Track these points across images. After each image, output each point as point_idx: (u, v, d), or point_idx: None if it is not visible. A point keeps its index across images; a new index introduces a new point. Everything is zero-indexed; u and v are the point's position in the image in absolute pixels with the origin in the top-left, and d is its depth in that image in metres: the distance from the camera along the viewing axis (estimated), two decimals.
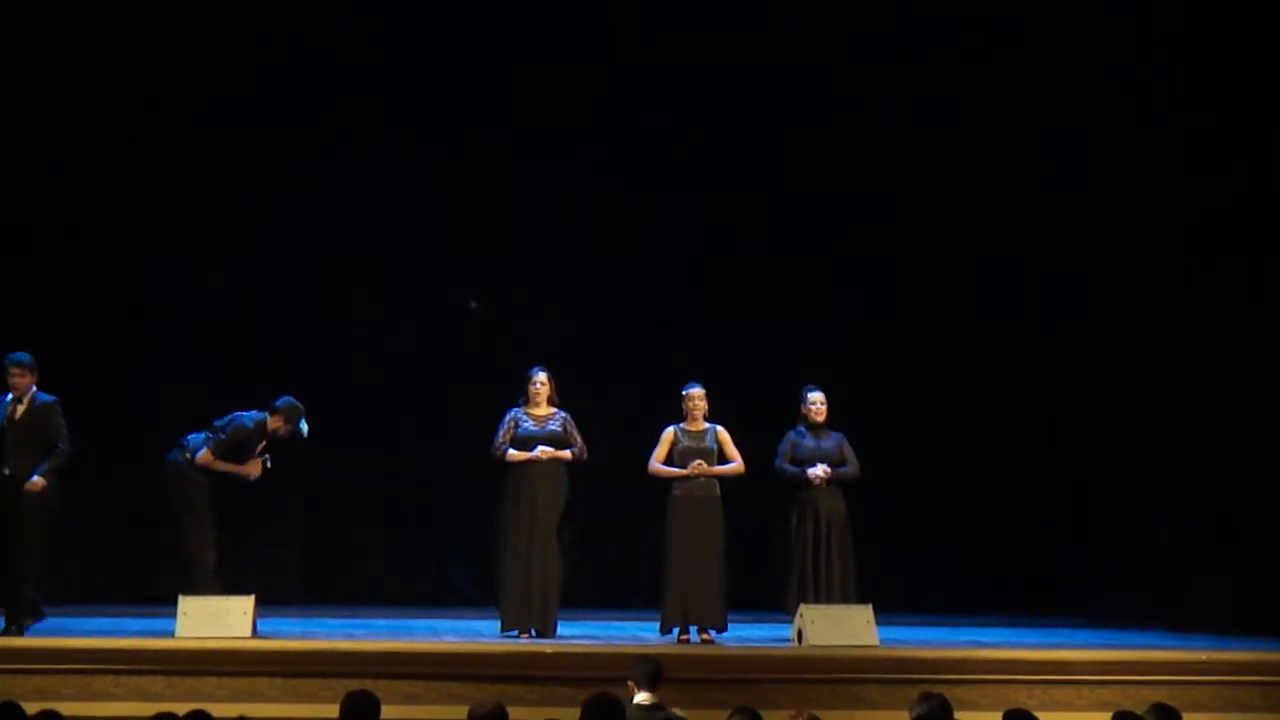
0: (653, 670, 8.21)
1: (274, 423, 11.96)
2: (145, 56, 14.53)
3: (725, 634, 11.88)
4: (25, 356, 11.43)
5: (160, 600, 12.00)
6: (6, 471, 11.22)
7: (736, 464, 12.05)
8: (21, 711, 7.01)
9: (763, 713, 7.61)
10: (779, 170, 15.26)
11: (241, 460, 11.91)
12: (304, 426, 12.02)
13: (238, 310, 14.81)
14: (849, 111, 15.19)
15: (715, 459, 11.99)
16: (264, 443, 11.98)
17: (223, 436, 11.86)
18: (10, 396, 11.36)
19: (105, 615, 11.77)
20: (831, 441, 12.23)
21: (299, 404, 12.00)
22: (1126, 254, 14.65)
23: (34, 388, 11.38)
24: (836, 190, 15.28)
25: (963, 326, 15.29)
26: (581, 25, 15.03)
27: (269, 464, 12.00)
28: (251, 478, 11.97)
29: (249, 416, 11.96)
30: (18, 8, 14.21)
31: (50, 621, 11.34)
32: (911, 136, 15.08)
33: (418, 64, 15.05)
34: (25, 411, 11.37)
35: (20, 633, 11.02)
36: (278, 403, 11.98)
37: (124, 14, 14.41)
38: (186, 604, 11.11)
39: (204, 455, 11.79)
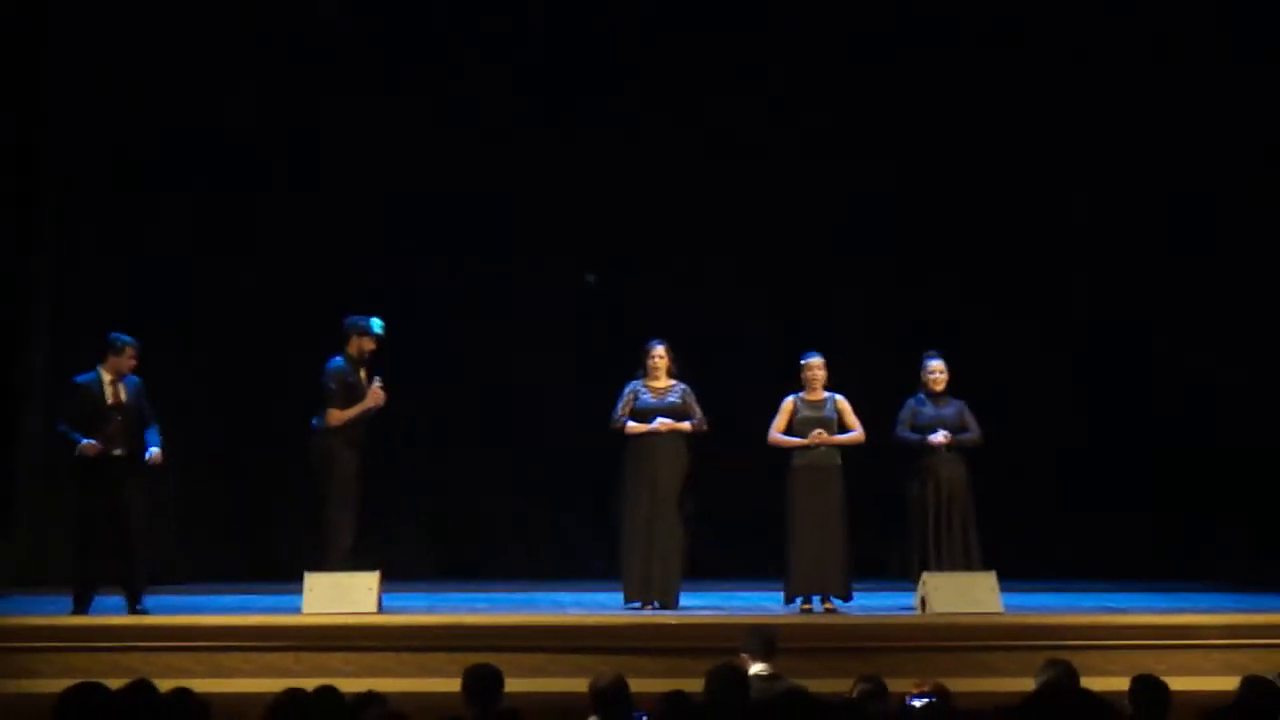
0: (767, 641, 8.22)
1: (352, 347, 11.82)
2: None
3: (849, 603, 11.86)
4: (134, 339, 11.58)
5: (281, 577, 12.15)
6: (118, 452, 11.35)
7: (857, 433, 12.01)
8: (154, 689, 7.09)
9: (887, 681, 7.60)
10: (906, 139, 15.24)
11: (358, 400, 11.78)
12: (375, 325, 11.84)
13: (359, 287, 14.87)
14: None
15: (835, 428, 11.97)
16: (362, 370, 11.83)
17: (330, 392, 11.76)
18: (103, 377, 11.42)
19: (231, 593, 11.90)
20: (952, 409, 12.17)
21: (356, 317, 11.86)
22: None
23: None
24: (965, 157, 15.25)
25: (1088, 289, 15.15)
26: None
27: (381, 384, 11.83)
28: (379, 405, 11.79)
29: (332, 361, 11.82)
30: None
31: (180, 599, 11.51)
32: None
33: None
34: (129, 393, 11.49)
35: (143, 611, 11.17)
36: (344, 329, 11.87)
37: None
38: (312, 580, 11.23)
39: (331, 415, 11.71)
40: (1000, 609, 11.36)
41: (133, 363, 11.48)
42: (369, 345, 11.84)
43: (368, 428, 11.85)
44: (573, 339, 15.14)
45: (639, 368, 12.16)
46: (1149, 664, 10.14)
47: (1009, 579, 11.73)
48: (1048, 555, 14.54)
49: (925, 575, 11.61)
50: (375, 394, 11.78)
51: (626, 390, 12.10)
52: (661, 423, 11.94)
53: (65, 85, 14.35)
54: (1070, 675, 7.46)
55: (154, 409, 11.55)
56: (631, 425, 11.98)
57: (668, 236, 15.13)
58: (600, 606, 12.13)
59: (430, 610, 11.78)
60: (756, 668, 8.11)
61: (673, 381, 12.12)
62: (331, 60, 14.90)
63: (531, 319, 15.20)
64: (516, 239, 15.18)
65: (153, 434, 11.46)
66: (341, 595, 11.13)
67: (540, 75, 15.14)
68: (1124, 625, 10.94)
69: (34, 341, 14.03)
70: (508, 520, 15.18)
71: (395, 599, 11.83)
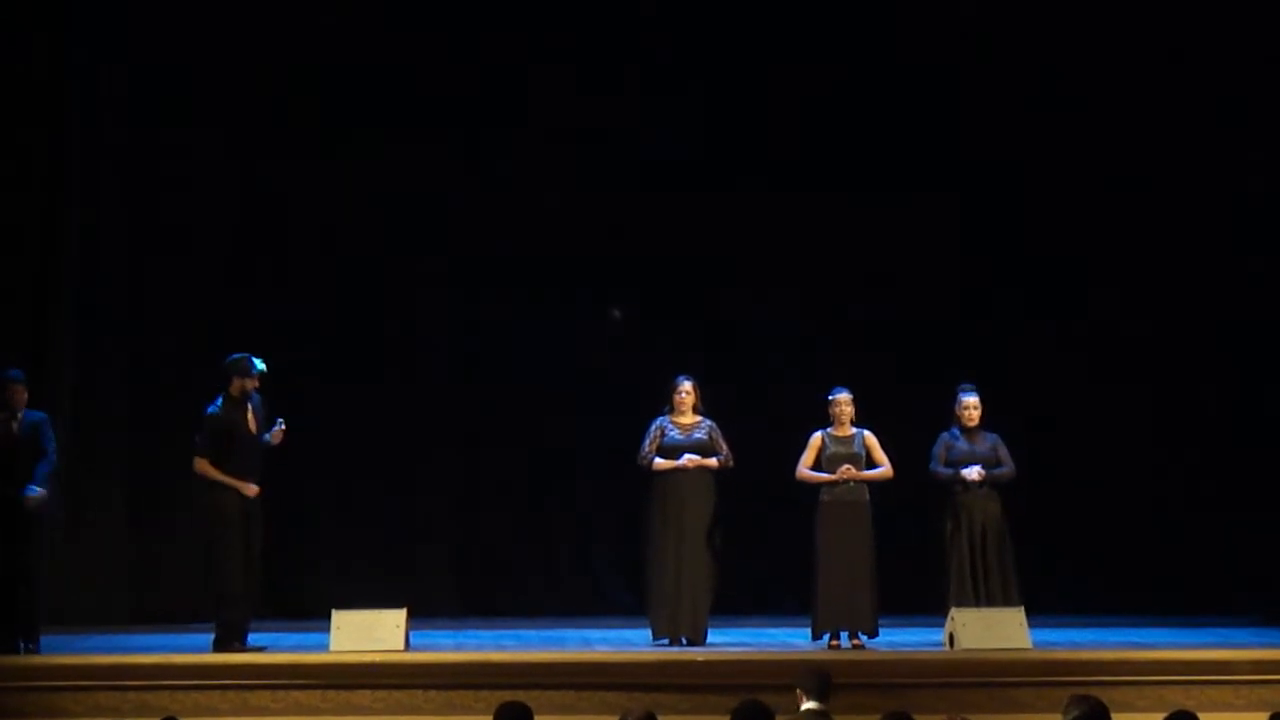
0: (821, 682, 8.18)
1: (234, 388, 11.51)
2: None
3: (876, 639, 11.83)
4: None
5: (305, 614, 12.20)
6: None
7: (885, 468, 12.00)
8: None
9: (915, 717, 7.57)
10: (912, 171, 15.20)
11: (239, 442, 11.53)
12: (258, 364, 11.56)
13: (378, 321, 14.91)
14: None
15: (863, 464, 11.96)
16: (249, 410, 11.57)
17: (198, 443, 11.51)
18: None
19: (258, 630, 11.92)
20: (986, 443, 12.13)
21: (237, 355, 11.59)
22: None
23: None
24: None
25: (1118, 323, 15.09)
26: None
27: (284, 426, 11.67)
28: (252, 494, 11.50)
29: (211, 406, 11.56)
30: None
31: (205, 638, 11.49)
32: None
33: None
34: (21, 428, 11.50)
35: (34, 651, 11.25)
36: (224, 369, 11.58)
37: None
38: (339, 618, 11.24)
39: (197, 463, 11.48)
40: (1029, 645, 11.33)
41: (24, 396, 11.52)
42: (251, 385, 11.58)
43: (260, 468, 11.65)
44: (598, 374, 15.10)
45: (665, 403, 12.18)
46: (1178, 699, 10.15)
47: (1037, 614, 11.70)
48: (1076, 590, 14.46)
49: (954, 611, 11.58)
50: (247, 487, 11.47)
51: (653, 426, 12.11)
52: (688, 459, 11.94)
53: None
54: (1100, 711, 7.40)
55: (51, 445, 11.62)
56: (658, 462, 11.99)
57: (696, 271, 15.09)
58: (628, 643, 12.13)
59: (457, 647, 11.80)
60: (808, 705, 8.07)
61: (699, 417, 12.13)
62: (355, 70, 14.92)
63: (555, 353, 15.16)
64: (540, 270, 15.13)
65: (40, 469, 11.49)
66: (369, 632, 11.14)
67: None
68: (1153, 660, 10.90)
69: (62, 371, 14.00)
70: (535, 557, 15.14)
71: (422, 636, 11.83)
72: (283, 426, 11.67)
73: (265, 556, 11.67)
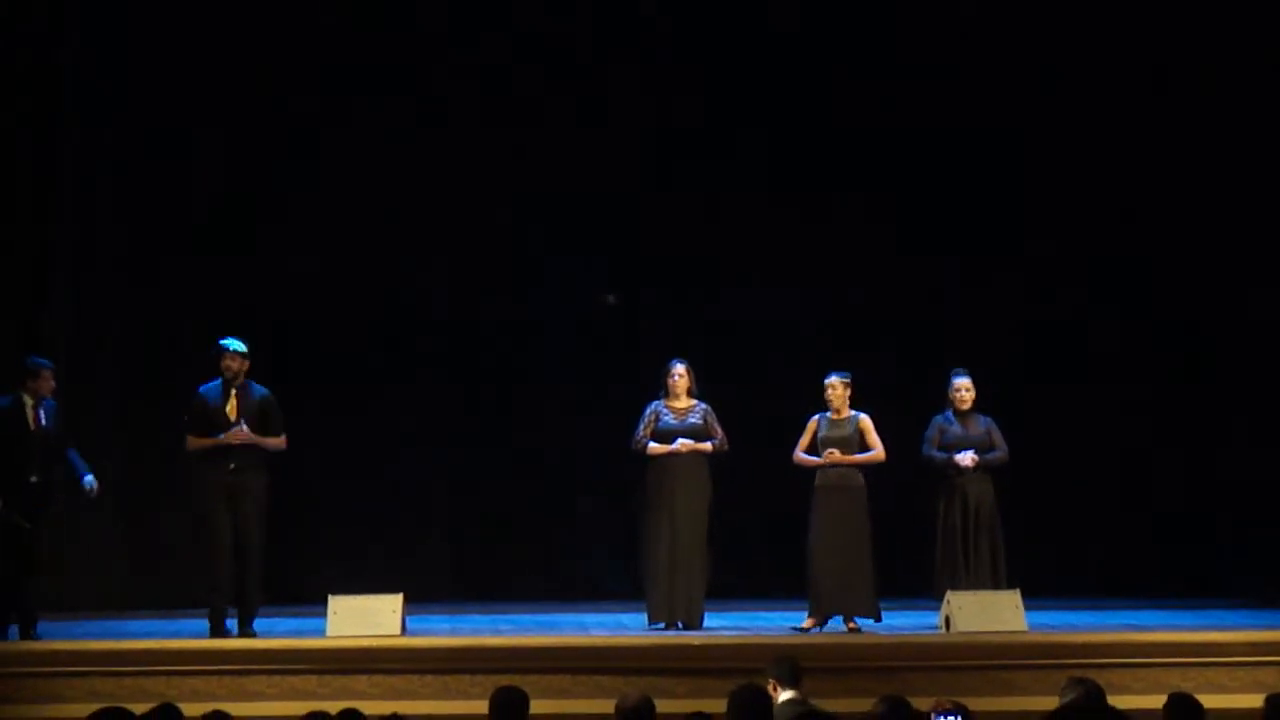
0: (792, 669, 8.20)
1: (222, 369, 11.53)
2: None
3: (878, 623, 11.84)
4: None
5: (309, 599, 12.18)
6: (34, 479, 11.40)
7: (875, 452, 11.98)
8: (179, 713, 7.10)
9: (911, 700, 7.57)
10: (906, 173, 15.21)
11: (215, 423, 11.51)
12: (230, 344, 11.53)
13: (377, 314, 14.91)
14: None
15: (856, 447, 11.95)
16: (233, 391, 11.54)
17: (183, 421, 11.62)
18: (25, 401, 11.44)
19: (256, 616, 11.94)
20: (980, 427, 12.13)
21: (221, 340, 11.62)
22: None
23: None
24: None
25: (1112, 313, 15.10)
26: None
27: (243, 428, 11.52)
28: (237, 441, 11.46)
29: (202, 386, 11.62)
30: None
31: (201, 623, 11.51)
32: None
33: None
34: (48, 418, 11.51)
35: (36, 638, 11.23)
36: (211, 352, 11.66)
37: None
38: (336, 603, 11.25)
39: (188, 441, 11.56)
40: (1024, 627, 11.34)
41: (51, 385, 11.51)
42: (231, 364, 11.53)
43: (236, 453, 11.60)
44: (595, 359, 15.10)
45: (660, 387, 12.17)
46: (1174, 681, 10.16)
47: (1033, 597, 11.71)
48: (1072, 573, 14.49)
49: (949, 594, 11.58)
50: (236, 434, 11.45)
51: (648, 411, 12.11)
52: (683, 443, 11.94)
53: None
54: (1096, 693, 7.42)
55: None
56: (653, 446, 11.98)
57: (691, 258, 15.10)
58: (623, 628, 12.14)
59: (454, 632, 11.80)
60: (785, 695, 8.09)
61: (694, 401, 12.12)
62: (337, 65, 14.87)
63: (553, 339, 15.18)
64: (539, 255, 15.14)
65: (78, 460, 11.67)
66: (365, 618, 11.15)
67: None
68: (1149, 643, 10.91)
69: (57, 355, 13.98)
70: (531, 542, 15.15)
71: (419, 621, 11.85)
72: (244, 429, 11.51)
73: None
